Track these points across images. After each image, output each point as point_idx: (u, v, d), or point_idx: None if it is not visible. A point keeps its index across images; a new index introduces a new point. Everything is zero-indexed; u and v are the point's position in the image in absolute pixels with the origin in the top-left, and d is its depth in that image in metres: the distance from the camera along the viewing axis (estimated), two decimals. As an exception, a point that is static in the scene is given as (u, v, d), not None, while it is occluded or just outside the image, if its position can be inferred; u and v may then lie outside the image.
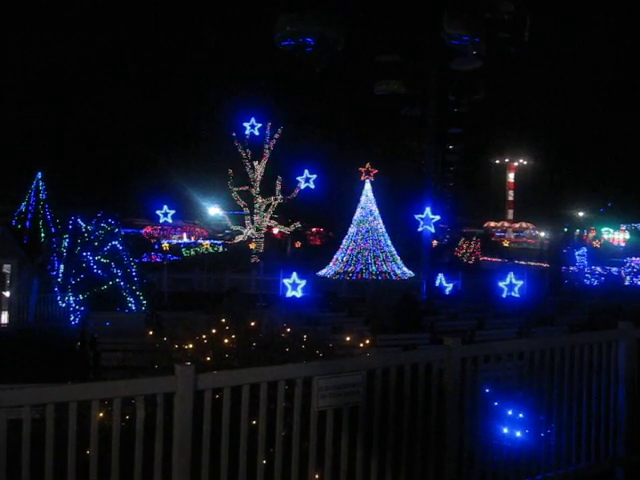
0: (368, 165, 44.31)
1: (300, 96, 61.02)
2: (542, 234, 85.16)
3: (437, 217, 36.34)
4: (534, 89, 70.56)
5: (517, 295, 31.10)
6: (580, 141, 72.60)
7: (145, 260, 44.55)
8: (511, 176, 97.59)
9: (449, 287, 34.85)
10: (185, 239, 65.00)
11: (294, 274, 31.25)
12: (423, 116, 42.66)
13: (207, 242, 61.81)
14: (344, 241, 43.76)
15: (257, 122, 51.06)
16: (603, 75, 65.75)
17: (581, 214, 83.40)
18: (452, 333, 13.23)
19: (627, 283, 43.90)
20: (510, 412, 5.90)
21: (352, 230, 43.59)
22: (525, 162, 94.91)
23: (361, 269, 41.32)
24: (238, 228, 53.25)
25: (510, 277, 31.86)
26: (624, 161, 71.33)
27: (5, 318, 25.46)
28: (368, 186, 43.86)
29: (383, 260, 41.89)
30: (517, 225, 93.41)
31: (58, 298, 25.13)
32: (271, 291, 32.47)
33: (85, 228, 23.78)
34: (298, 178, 49.38)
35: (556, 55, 61.53)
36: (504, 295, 30.83)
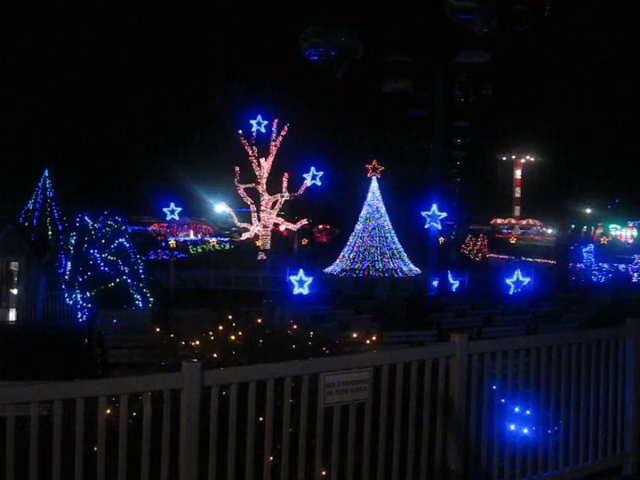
0: (374, 162, 44.26)
1: (307, 94, 61.11)
2: (549, 231, 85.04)
3: (444, 214, 36.31)
4: (542, 85, 70.34)
5: (521, 289, 31.09)
6: (588, 137, 72.42)
7: (152, 257, 44.61)
8: (518, 173, 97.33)
9: (456, 284, 34.83)
10: (192, 236, 65.06)
11: (301, 271, 31.28)
12: (430, 115, 42.69)
13: (214, 239, 61.90)
14: (351, 238, 43.73)
15: (264, 119, 51.12)
16: (613, 70, 65.48)
17: (588, 211, 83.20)
18: (459, 330, 13.21)
19: (635, 280, 43.79)
20: (517, 409, 5.89)
21: (359, 227, 43.55)
22: (532, 159, 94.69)
23: (368, 266, 41.30)
24: (245, 225, 53.31)
25: (517, 274, 31.84)
26: (632, 157, 71.08)
27: (13, 315, 25.58)
28: (375, 183, 43.79)
29: (390, 257, 41.85)
30: (524, 222, 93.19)
31: (65, 295, 25.24)
32: (277, 288, 32.50)
33: (92, 226, 23.86)
34: (304, 175, 49.43)
35: (565, 48, 61.21)
36: (511, 292, 30.82)
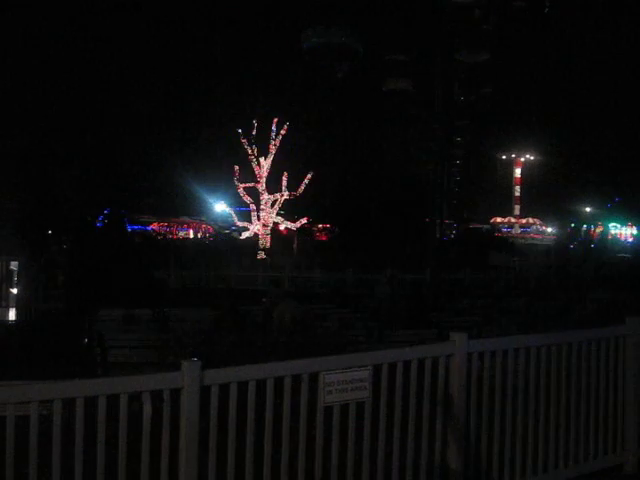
0: None
1: (308, 93, 61.19)
2: (549, 229, 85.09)
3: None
4: (542, 83, 70.34)
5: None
6: (588, 136, 72.45)
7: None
8: (518, 171, 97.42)
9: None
10: (191, 235, 65.09)
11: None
12: (430, 115, 42.80)
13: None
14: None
15: (264, 118, 51.16)
16: (613, 68, 65.46)
17: (588, 209, 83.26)
18: (459, 329, 13.23)
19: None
20: (517, 408, 5.89)
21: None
22: (532, 158, 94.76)
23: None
24: (244, 224, 53.35)
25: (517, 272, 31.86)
26: (632, 156, 71.10)
27: (12, 315, 25.56)
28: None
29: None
30: (524, 221, 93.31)
31: (65, 294, 25.24)
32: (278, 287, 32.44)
33: (92, 225, 23.90)
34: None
35: (566, 47, 61.17)
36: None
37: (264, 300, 20.95)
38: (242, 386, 4.69)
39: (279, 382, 4.82)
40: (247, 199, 51.70)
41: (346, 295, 28.76)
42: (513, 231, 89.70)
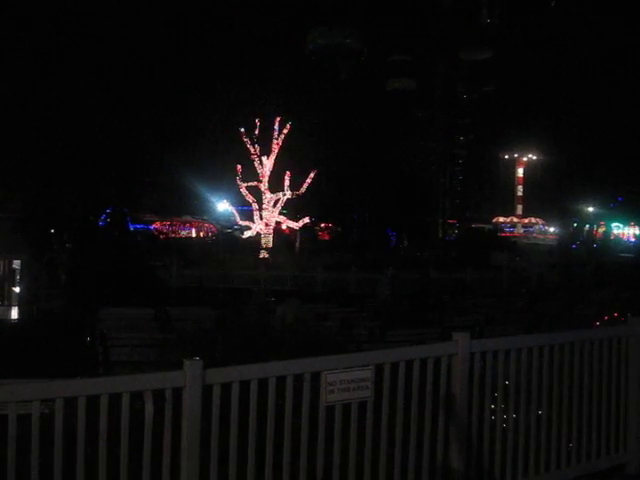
0: None
1: (311, 93, 61.19)
2: (551, 229, 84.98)
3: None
4: (545, 82, 70.23)
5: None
6: (590, 135, 72.36)
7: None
8: (520, 171, 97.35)
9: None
10: (194, 234, 65.09)
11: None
12: (432, 115, 42.83)
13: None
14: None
15: (266, 118, 51.19)
16: (620, 66, 65.35)
17: (591, 209, 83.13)
18: (461, 328, 13.20)
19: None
20: (519, 407, 5.89)
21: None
22: (534, 157, 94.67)
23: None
24: (247, 223, 53.37)
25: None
26: (635, 155, 70.98)
27: (15, 313, 25.61)
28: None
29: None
30: (526, 220, 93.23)
31: (67, 293, 25.25)
32: (280, 287, 32.49)
33: (95, 223, 23.90)
34: None
35: (569, 45, 61.03)
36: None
37: (267, 300, 20.97)
38: (244, 385, 4.69)
39: (281, 381, 4.82)
40: (249, 198, 51.71)
41: (348, 294, 28.74)
42: (515, 231, 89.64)
